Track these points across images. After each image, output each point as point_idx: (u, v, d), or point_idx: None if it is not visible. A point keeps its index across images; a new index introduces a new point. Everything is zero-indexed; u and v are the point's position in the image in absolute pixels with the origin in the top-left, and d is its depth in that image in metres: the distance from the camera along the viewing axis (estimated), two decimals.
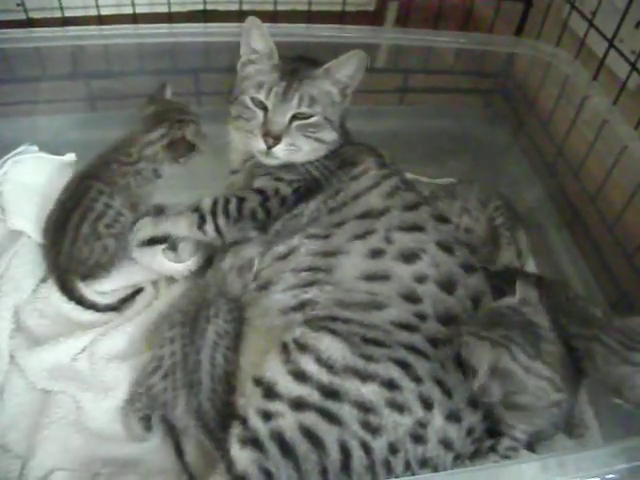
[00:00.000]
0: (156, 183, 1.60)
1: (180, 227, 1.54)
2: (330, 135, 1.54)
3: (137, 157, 1.54)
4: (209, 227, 1.50)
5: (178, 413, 1.26)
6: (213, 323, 1.32)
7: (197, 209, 1.53)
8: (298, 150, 1.51)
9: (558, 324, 1.30)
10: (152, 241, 1.58)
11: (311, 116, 1.50)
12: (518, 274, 1.52)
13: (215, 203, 1.51)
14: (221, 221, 1.49)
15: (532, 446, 1.27)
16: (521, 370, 1.06)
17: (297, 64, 1.53)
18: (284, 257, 1.41)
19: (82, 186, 1.51)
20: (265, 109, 1.49)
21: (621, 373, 1.18)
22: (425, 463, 1.10)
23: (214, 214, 1.50)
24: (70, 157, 1.78)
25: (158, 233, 1.57)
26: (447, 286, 1.28)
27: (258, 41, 1.52)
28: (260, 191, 1.51)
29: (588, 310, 1.37)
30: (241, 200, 1.50)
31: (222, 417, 1.24)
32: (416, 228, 1.36)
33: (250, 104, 1.51)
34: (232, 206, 1.49)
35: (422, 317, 1.23)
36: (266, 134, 1.47)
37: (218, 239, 1.51)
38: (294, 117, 1.49)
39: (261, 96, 1.49)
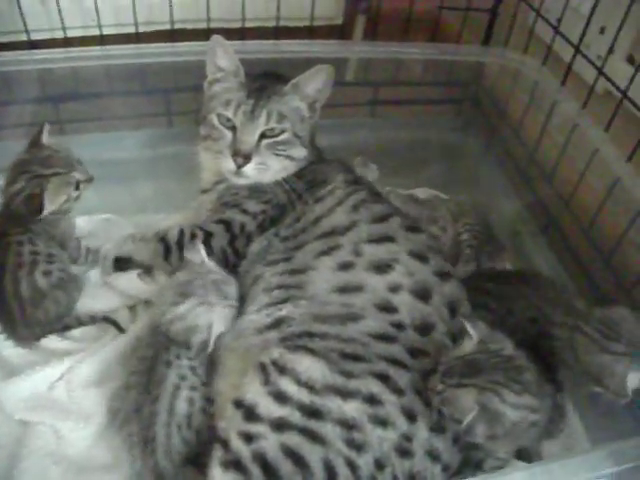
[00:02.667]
0: (69, 216, 1.56)
1: (144, 254, 1.55)
2: (300, 152, 1.54)
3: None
4: (174, 258, 1.51)
5: (137, 469, 1.23)
6: (175, 367, 1.27)
7: (163, 239, 1.53)
8: (268, 169, 1.50)
9: (544, 313, 1.36)
10: (126, 266, 1.57)
11: (280, 133, 1.49)
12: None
13: (181, 234, 1.51)
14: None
15: (520, 456, 1.27)
16: (510, 409, 1.05)
17: (264, 81, 1.52)
18: (250, 286, 1.40)
19: (1, 247, 1.46)
20: (233, 128, 1.48)
21: (601, 362, 1.20)
22: (413, 478, 1.09)
23: (180, 245, 1.50)
24: None
25: (121, 254, 1.57)
26: (422, 295, 1.27)
27: (223, 59, 1.52)
28: (227, 224, 1.50)
29: (571, 302, 1.40)
30: (209, 235, 1.50)
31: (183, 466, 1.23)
32: (386, 239, 1.35)
33: (217, 124, 1.50)
34: (199, 241, 1.47)
35: (399, 327, 1.22)
36: (235, 154, 1.46)
37: None
38: (263, 135, 1.48)
39: (229, 113, 1.48)
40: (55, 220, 1.51)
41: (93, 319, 1.53)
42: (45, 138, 1.52)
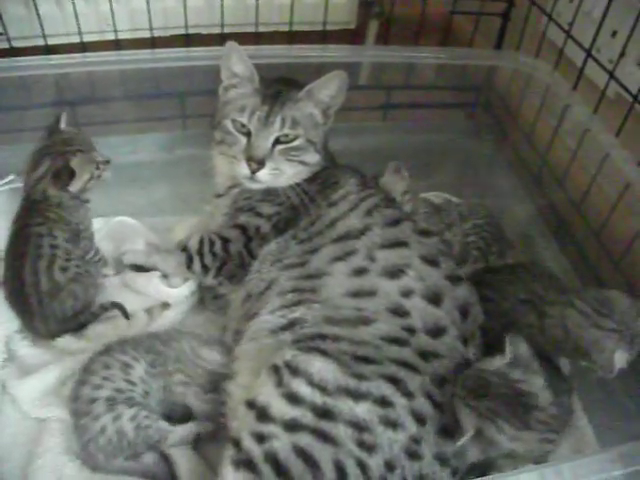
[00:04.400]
0: (87, 207, 1.59)
1: (169, 265, 1.60)
2: (313, 157, 1.55)
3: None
4: (196, 266, 1.55)
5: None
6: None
7: (185, 249, 1.57)
8: (282, 174, 1.51)
9: (538, 295, 1.39)
10: (144, 268, 1.59)
11: (294, 139, 1.50)
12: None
13: (201, 242, 1.55)
14: (207, 260, 1.54)
15: None
16: (507, 440, 1.04)
17: (278, 87, 1.53)
18: (264, 290, 1.42)
19: (22, 237, 1.49)
20: (248, 134, 1.50)
21: (591, 337, 1.22)
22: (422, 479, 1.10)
23: (201, 254, 1.54)
24: None
25: (148, 264, 1.61)
26: (434, 299, 1.27)
27: (238, 65, 1.53)
28: (242, 228, 1.53)
29: (565, 285, 1.46)
30: (225, 241, 1.53)
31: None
32: (399, 244, 1.36)
33: (232, 129, 1.51)
34: (217, 248, 1.53)
35: (411, 331, 1.23)
36: (249, 159, 1.47)
37: (203, 276, 1.56)
38: (277, 141, 1.49)
39: (244, 119, 1.49)
40: (74, 206, 1.54)
41: (103, 307, 1.56)
42: (63, 125, 1.57)
